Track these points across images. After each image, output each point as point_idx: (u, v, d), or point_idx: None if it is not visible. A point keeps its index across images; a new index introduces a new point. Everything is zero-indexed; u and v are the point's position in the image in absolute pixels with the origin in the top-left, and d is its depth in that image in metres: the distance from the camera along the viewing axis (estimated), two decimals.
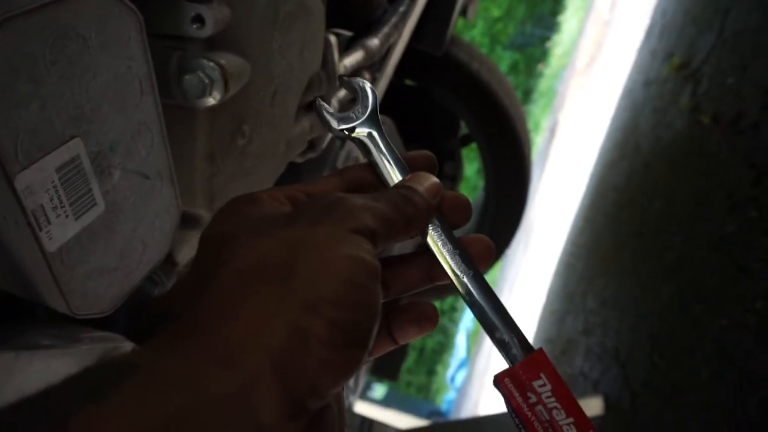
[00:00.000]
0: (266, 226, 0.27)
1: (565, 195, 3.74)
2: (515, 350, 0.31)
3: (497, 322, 0.31)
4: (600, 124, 3.02)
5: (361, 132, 0.35)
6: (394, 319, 0.33)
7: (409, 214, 0.30)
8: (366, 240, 0.26)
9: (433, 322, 0.33)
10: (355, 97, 0.36)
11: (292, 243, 0.25)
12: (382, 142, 0.35)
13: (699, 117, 1.22)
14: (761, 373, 0.84)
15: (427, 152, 0.35)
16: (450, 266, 0.32)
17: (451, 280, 0.32)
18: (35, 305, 0.63)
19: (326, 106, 0.36)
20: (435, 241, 0.32)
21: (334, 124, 0.35)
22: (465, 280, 0.32)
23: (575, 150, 3.97)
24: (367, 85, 0.36)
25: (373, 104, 0.35)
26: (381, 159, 0.35)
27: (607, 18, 4.49)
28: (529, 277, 4.48)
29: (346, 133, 0.35)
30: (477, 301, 0.32)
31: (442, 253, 0.32)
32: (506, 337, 0.31)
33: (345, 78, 0.37)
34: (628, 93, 2.34)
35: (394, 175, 0.34)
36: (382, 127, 0.36)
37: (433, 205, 0.32)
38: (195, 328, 0.23)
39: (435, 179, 0.33)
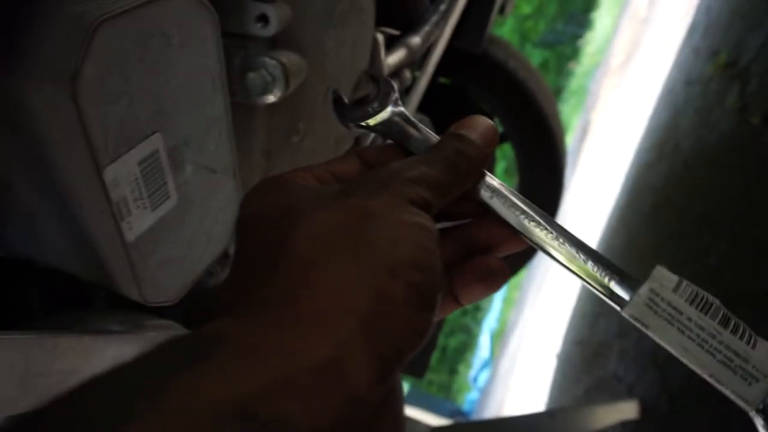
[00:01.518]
0: (325, 198, 0.27)
1: (598, 195, 3.68)
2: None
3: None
4: (635, 124, 2.96)
5: (386, 116, 0.34)
6: (459, 279, 0.32)
7: (463, 170, 0.29)
8: (423, 210, 0.27)
9: (502, 277, 0.32)
10: (375, 90, 0.34)
11: (357, 212, 0.25)
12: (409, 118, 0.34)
13: (747, 117, 1.19)
14: None
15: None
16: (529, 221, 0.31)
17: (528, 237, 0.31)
18: (94, 293, 0.66)
19: (342, 98, 0.34)
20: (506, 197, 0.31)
21: (353, 120, 0.33)
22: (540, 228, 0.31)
23: (608, 150, 3.91)
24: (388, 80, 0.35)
25: (395, 92, 0.34)
26: (415, 129, 0.33)
27: (644, 16, 4.40)
28: (558, 278, 4.42)
29: (371, 125, 0.33)
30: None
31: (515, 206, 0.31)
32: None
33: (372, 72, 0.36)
34: (668, 92, 2.29)
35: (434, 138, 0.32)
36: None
37: (488, 155, 0.30)
38: (276, 300, 0.23)
39: (489, 122, 0.31)
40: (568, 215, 4.30)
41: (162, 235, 0.48)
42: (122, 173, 0.40)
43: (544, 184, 1.95)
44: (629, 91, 3.85)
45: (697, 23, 2.09)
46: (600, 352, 2.10)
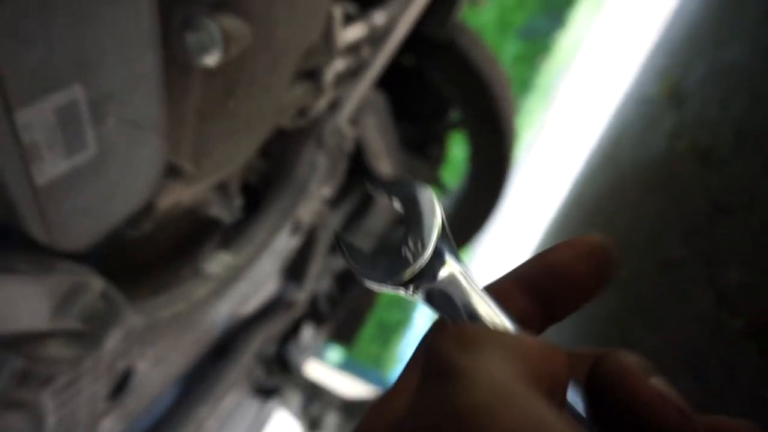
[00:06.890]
0: None
1: (544, 195, 3.81)
2: None
3: None
4: (589, 130, 3.07)
5: (435, 281, 0.21)
6: None
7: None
8: None
9: None
10: (404, 215, 0.22)
11: None
12: (468, 280, 0.22)
13: (676, 143, 1.27)
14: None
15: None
16: None
17: None
18: (15, 233, 0.65)
19: (359, 248, 0.22)
20: None
21: (384, 280, 0.22)
22: None
23: (561, 151, 4.04)
24: (425, 193, 0.22)
25: (439, 227, 0.22)
26: (479, 305, 0.22)
27: (617, 24, 4.50)
28: (498, 272, 4.57)
29: (409, 290, 0.22)
30: None
31: None
32: None
33: (385, 182, 0.23)
34: (621, 106, 2.39)
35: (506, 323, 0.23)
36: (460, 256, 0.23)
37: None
38: None
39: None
40: (513, 209, 4.43)
41: (77, 184, 0.48)
42: (36, 118, 0.40)
43: (489, 174, 2.01)
44: (589, 95, 3.97)
45: (659, 43, 2.17)
46: None
